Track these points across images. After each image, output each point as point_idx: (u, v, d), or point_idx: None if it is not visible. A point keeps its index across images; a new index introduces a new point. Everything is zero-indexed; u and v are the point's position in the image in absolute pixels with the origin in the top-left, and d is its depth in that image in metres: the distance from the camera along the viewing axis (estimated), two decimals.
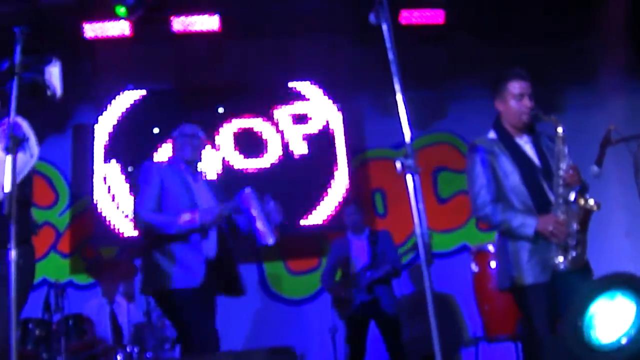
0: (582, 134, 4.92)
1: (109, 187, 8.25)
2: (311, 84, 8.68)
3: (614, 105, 8.34)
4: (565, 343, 3.72)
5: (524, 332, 5.93)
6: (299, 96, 8.67)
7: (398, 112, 3.09)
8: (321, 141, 8.60)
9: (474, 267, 6.47)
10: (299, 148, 8.57)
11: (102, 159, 8.32)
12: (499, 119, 4.55)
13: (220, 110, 8.55)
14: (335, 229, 7.84)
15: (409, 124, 3.04)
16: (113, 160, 8.32)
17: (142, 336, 6.64)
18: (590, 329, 3.73)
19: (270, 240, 4.92)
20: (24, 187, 3.17)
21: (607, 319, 3.76)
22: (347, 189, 8.39)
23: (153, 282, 4.83)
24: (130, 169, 8.19)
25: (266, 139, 8.57)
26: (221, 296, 5.05)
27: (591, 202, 4.16)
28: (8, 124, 3.24)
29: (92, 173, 8.30)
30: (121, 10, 7.40)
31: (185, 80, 8.57)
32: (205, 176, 5.44)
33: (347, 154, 8.54)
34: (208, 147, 7.95)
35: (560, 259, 4.14)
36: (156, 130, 8.39)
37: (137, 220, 5.11)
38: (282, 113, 8.65)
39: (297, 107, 8.66)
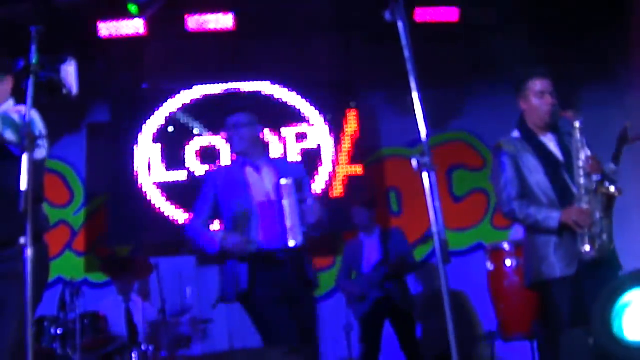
0: (598, 132, 4.88)
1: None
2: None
3: (631, 102, 8.30)
4: (594, 337, 3.73)
5: (541, 330, 5.92)
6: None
7: (413, 110, 3.08)
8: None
9: (489, 266, 6.44)
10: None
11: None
12: (522, 118, 4.66)
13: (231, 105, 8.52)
14: (349, 228, 7.80)
15: (425, 122, 3.03)
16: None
17: (157, 334, 6.67)
18: (619, 323, 3.73)
19: (292, 242, 4.55)
20: (35, 183, 3.17)
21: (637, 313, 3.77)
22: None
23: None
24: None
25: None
26: None
27: (612, 188, 4.24)
28: (24, 121, 3.25)
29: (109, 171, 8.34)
30: (133, 7, 7.42)
31: (199, 78, 8.58)
32: (274, 161, 5.07)
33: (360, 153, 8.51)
34: None
35: (587, 247, 4.22)
36: (170, 129, 8.40)
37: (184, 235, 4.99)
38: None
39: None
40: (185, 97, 8.48)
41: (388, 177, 8.73)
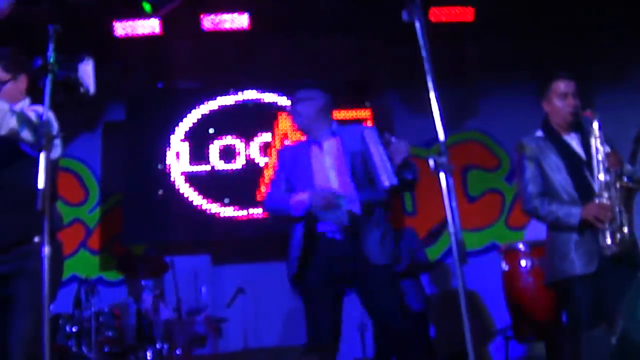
0: (614, 132, 4.88)
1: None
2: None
3: None
4: (622, 334, 3.73)
5: (558, 329, 5.93)
6: None
7: (428, 110, 3.08)
8: None
9: (504, 266, 6.44)
10: None
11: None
12: (546, 119, 4.73)
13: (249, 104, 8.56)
14: None
15: (441, 122, 3.02)
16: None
17: (172, 333, 6.68)
18: None
19: (386, 182, 4.32)
20: (51, 181, 3.19)
21: None
22: None
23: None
24: (160, 165, 8.22)
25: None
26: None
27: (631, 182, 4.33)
28: (42, 120, 3.26)
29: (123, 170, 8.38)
30: (147, 6, 7.45)
31: (214, 78, 8.60)
32: (339, 130, 4.88)
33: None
34: None
35: (608, 241, 4.25)
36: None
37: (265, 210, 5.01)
38: None
39: None
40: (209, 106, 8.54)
41: None
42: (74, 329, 6.38)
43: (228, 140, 8.35)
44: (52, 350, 3.09)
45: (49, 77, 3.33)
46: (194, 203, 8.15)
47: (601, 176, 4.38)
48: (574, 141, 4.63)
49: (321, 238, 4.59)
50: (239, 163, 8.29)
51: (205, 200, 8.14)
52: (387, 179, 4.33)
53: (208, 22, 7.94)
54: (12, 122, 3.56)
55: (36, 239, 3.61)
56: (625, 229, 4.32)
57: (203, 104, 8.46)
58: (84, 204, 8.50)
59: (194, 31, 8.00)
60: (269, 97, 8.56)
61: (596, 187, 4.40)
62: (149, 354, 6.43)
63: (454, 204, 2.87)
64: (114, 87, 8.00)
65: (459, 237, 2.83)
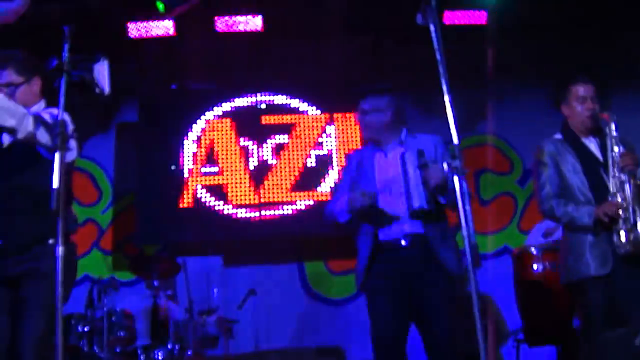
0: (629, 136, 4.87)
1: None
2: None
3: None
4: None
5: (572, 331, 5.93)
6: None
7: (441, 113, 3.07)
8: None
9: (516, 270, 6.42)
10: None
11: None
12: (565, 122, 4.78)
13: (263, 105, 8.56)
14: None
15: (455, 125, 3.02)
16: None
17: (184, 333, 6.69)
18: None
19: (417, 203, 4.28)
20: (65, 184, 3.20)
21: None
22: None
23: None
24: (173, 167, 8.23)
25: None
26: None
27: None
28: (57, 120, 3.27)
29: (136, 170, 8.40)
30: (160, 5, 7.48)
31: (228, 79, 8.62)
32: (408, 140, 4.73)
33: None
34: None
35: (623, 239, 4.26)
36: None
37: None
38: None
39: None
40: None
41: None
42: (85, 329, 6.41)
43: (242, 141, 8.36)
44: (64, 350, 3.09)
45: (64, 77, 3.35)
46: (207, 204, 8.16)
47: (615, 175, 4.41)
48: (592, 144, 4.66)
49: (386, 245, 4.48)
50: (251, 164, 8.30)
51: (218, 202, 8.16)
52: (418, 201, 4.29)
53: (222, 23, 7.95)
54: (30, 126, 3.58)
55: (50, 241, 3.64)
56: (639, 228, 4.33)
57: (217, 105, 8.48)
58: (97, 204, 8.53)
59: (207, 33, 8.02)
60: (282, 99, 8.58)
61: (611, 187, 4.42)
62: (160, 354, 6.44)
63: (467, 207, 2.87)
64: (127, 88, 8.02)
65: (473, 240, 2.83)
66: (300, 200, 8.18)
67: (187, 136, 8.37)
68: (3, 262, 3.81)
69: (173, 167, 8.22)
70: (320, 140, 8.46)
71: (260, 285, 7.73)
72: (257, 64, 8.50)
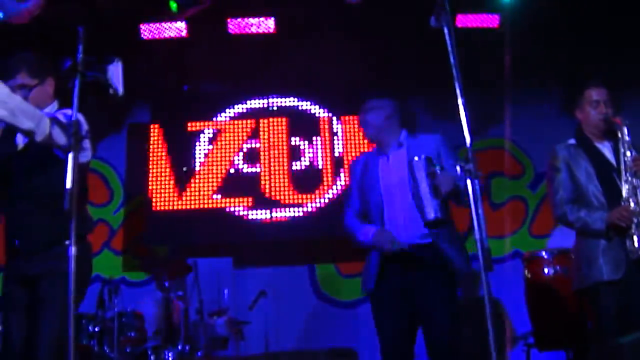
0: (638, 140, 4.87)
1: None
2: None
3: None
4: None
5: (582, 337, 5.91)
6: None
7: (452, 116, 3.07)
8: None
9: (527, 274, 6.41)
10: None
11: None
12: (579, 127, 4.78)
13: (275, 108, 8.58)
14: None
15: (468, 128, 3.02)
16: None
17: (194, 335, 6.70)
18: None
19: (432, 215, 4.19)
20: (79, 185, 3.21)
21: None
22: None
23: None
24: (184, 169, 8.25)
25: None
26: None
27: None
28: (71, 121, 3.29)
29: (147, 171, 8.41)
30: (173, 5, 7.50)
31: (240, 81, 8.64)
32: (409, 142, 4.76)
33: None
34: None
35: (636, 244, 4.26)
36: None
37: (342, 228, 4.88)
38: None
39: None
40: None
41: None
42: (96, 329, 6.42)
43: (252, 143, 8.37)
44: (75, 349, 3.11)
45: (78, 78, 3.36)
46: (218, 206, 8.17)
47: (628, 179, 4.41)
48: (606, 149, 4.65)
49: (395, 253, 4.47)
50: (262, 166, 8.31)
51: (229, 203, 8.17)
52: (432, 212, 4.22)
53: (234, 25, 7.96)
54: (47, 128, 3.60)
55: (67, 242, 3.65)
56: None
57: (228, 107, 8.50)
58: (108, 205, 8.56)
59: (220, 35, 8.03)
60: (293, 101, 8.60)
61: (624, 192, 4.42)
62: (170, 355, 6.45)
63: (480, 210, 2.86)
64: (140, 89, 8.04)
65: (485, 244, 2.83)
66: (311, 203, 8.18)
67: (199, 138, 8.38)
68: (19, 262, 3.84)
69: (185, 169, 8.23)
70: (330, 142, 8.47)
71: (271, 286, 7.73)
72: (269, 66, 8.50)
